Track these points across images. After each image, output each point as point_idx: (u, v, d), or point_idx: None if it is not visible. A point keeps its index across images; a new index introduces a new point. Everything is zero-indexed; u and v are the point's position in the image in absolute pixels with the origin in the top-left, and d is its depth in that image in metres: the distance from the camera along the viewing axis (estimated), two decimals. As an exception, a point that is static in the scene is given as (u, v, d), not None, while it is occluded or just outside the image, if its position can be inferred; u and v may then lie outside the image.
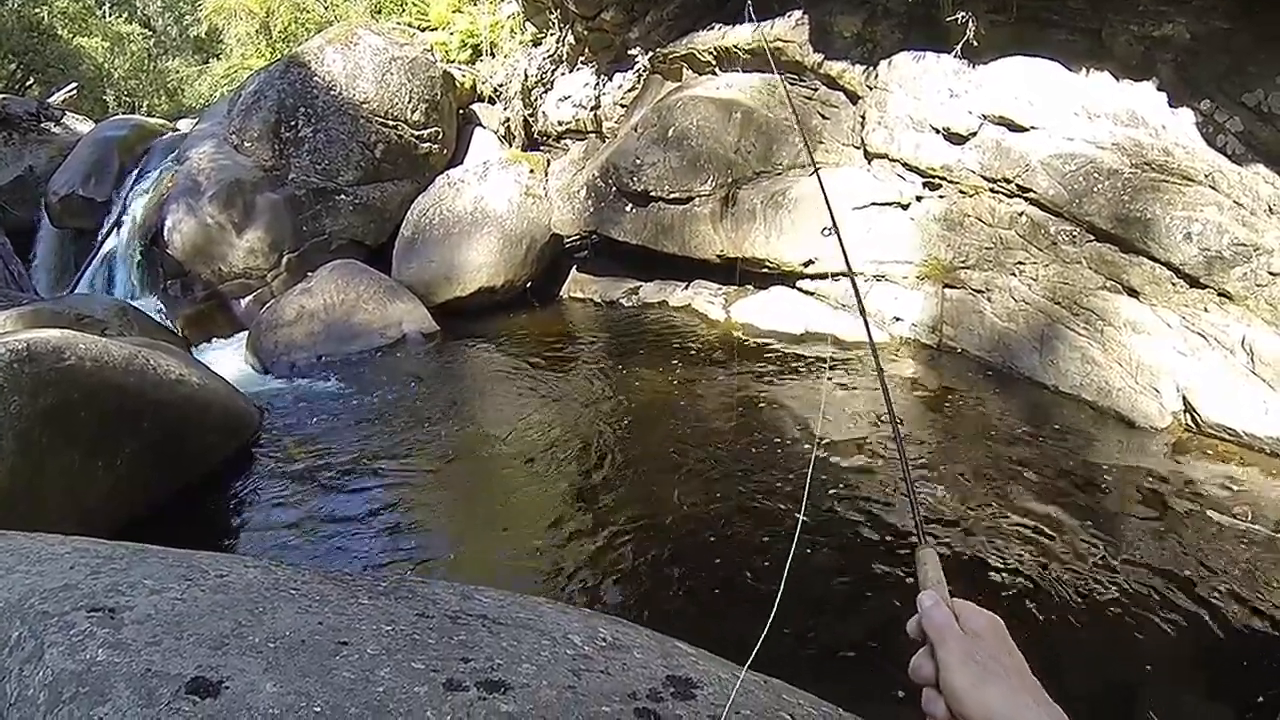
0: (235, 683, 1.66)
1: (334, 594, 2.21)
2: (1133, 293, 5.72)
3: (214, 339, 8.73)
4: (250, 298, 8.98)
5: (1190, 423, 5.29)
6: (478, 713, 1.65)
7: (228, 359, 7.99)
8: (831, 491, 4.71)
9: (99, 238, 9.83)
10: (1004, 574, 3.93)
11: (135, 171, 10.31)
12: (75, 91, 15.80)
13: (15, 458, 4.17)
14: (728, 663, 2.20)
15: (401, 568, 4.24)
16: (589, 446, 5.56)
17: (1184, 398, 5.31)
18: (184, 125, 11.97)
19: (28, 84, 18.29)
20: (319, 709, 1.60)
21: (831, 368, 6.52)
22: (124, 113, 20.59)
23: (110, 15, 27.88)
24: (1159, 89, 5.91)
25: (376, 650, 1.86)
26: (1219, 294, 5.39)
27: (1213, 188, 5.51)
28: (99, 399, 4.61)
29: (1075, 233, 6.00)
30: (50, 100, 13.11)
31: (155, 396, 5.01)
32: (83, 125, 12.73)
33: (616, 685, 1.85)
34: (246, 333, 8.35)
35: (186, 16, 31.18)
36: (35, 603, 1.91)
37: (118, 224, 9.65)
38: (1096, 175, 5.82)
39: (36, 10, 20.81)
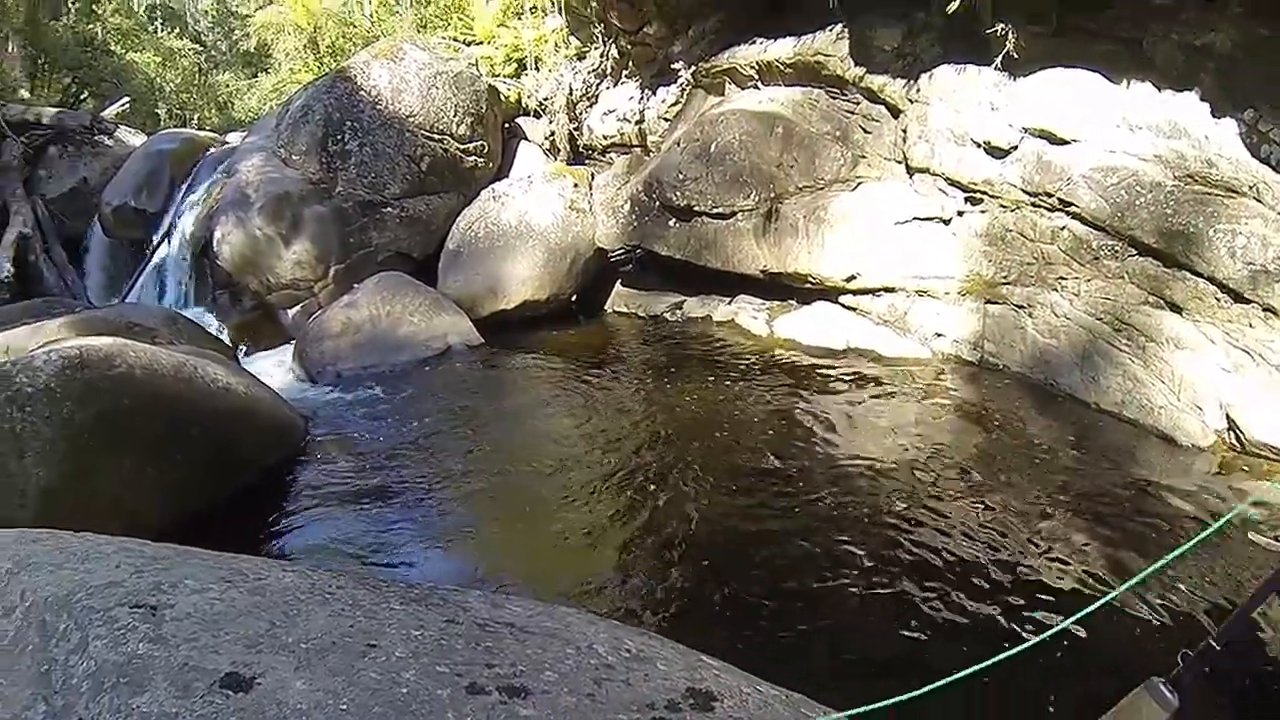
0: (267, 679, 1.72)
1: (366, 599, 2.26)
2: (1176, 308, 5.65)
3: (261, 348, 8.81)
4: (297, 308, 9.08)
5: (1234, 441, 5.22)
6: (497, 716, 1.70)
7: (274, 368, 8.08)
8: (878, 506, 4.71)
9: (150, 248, 10.02)
10: (1044, 594, 3.91)
11: (186, 184, 10.45)
12: (128, 105, 16.09)
13: (67, 461, 4.29)
14: (751, 677, 2.22)
15: (435, 575, 4.28)
16: (631, 460, 5.57)
17: (1227, 415, 5.24)
18: (233, 138, 12.12)
19: (82, 98, 18.65)
20: (344, 706, 1.66)
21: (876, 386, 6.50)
22: (175, 126, 20.95)
23: (162, 31, 28.36)
24: (1201, 99, 5.82)
25: (404, 653, 1.91)
26: (1264, 309, 5.31)
27: (1257, 199, 5.42)
28: (148, 406, 4.71)
29: (1118, 247, 5.94)
30: (104, 114, 13.34)
31: (203, 404, 5.10)
32: (135, 138, 12.91)
33: (636, 695, 1.89)
34: (293, 343, 8.44)
35: (236, 32, 31.69)
36: (82, 598, 1.99)
37: (168, 235, 9.82)
38: (1139, 188, 5.76)
39: (90, 26, 21.19)
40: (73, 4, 21.12)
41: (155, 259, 9.81)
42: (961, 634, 3.67)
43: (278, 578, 2.33)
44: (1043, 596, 3.87)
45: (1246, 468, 5.03)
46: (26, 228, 10.66)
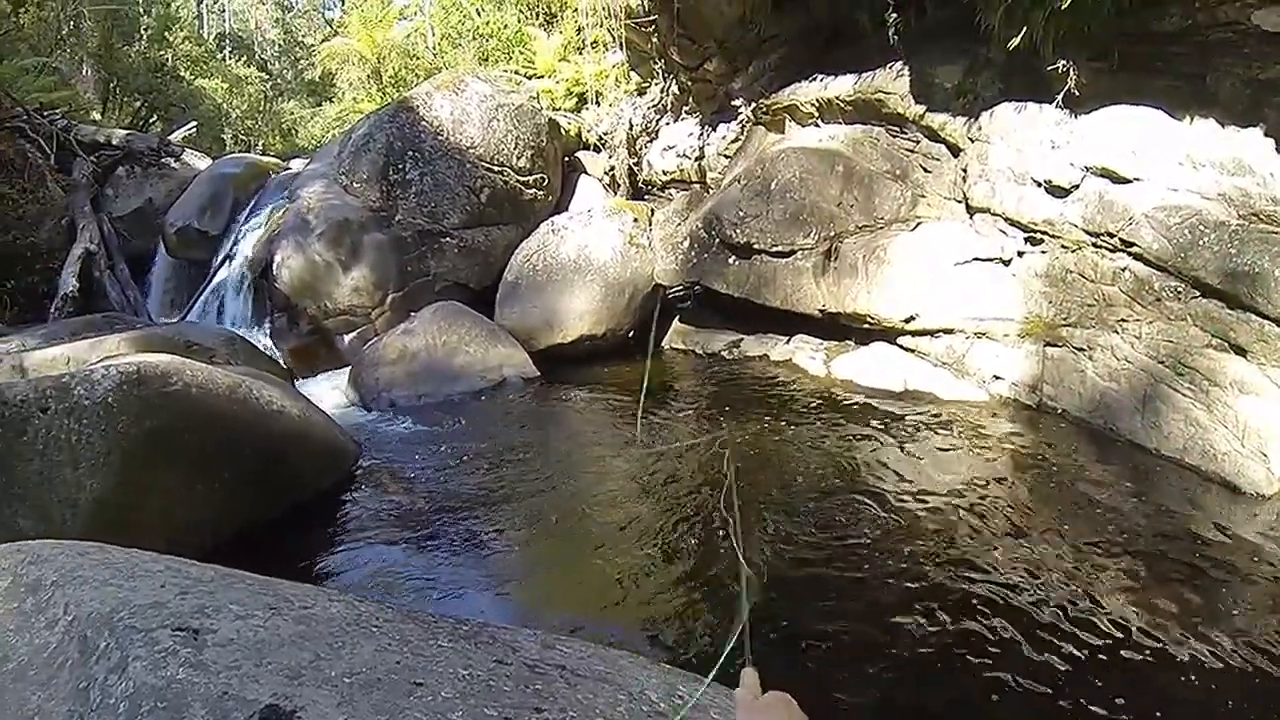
0: (308, 714, 1.67)
1: (414, 634, 2.22)
2: (1240, 351, 5.45)
3: (317, 372, 8.88)
4: (354, 334, 9.14)
5: (1299, 490, 5.03)
6: (545, 763, 1.65)
7: (329, 393, 8.11)
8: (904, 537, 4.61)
9: (211, 269, 10.13)
10: (1099, 647, 3.78)
11: (248, 207, 10.64)
12: (195, 129, 16.46)
13: (119, 476, 4.30)
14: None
15: (485, 612, 4.22)
16: (687, 500, 5.46)
17: (1292, 464, 5.06)
18: (296, 165, 12.29)
19: (151, 121, 19.15)
20: (387, 747, 1.62)
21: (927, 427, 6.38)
22: (240, 151, 21.45)
23: (230, 59, 29.16)
24: (1266, 134, 5.61)
25: (451, 694, 1.86)
26: (1332, 353, 5.13)
27: (1325, 240, 5.25)
28: (202, 424, 4.72)
29: (1180, 288, 5.75)
30: (171, 137, 13.64)
31: (257, 425, 5.11)
32: (200, 161, 13.17)
33: (689, 744, 1.83)
34: (349, 368, 8.48)
35: (301, 61, 32.57)
36: (125, 617, 1.96)
37: (229, 257, 9.95)
38: (1202, 228, 5.58)
39: (161, 53, 21.84)
40: (145, 31, 21.72)
41: (215, 280, 9.93)
42: (1019, 685, 3.55)
43: (324, 607, 2.29)
44: (1105, 649, 3.74)
45: (1315, 521, 4.85)
46: (93, 244, 10.86)
